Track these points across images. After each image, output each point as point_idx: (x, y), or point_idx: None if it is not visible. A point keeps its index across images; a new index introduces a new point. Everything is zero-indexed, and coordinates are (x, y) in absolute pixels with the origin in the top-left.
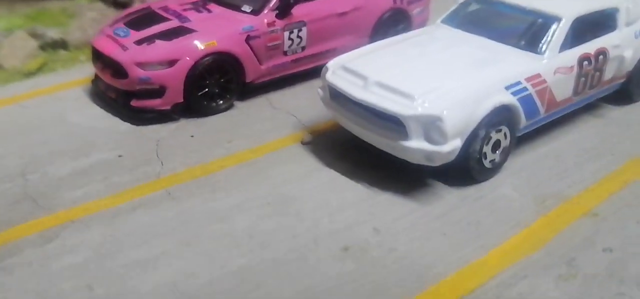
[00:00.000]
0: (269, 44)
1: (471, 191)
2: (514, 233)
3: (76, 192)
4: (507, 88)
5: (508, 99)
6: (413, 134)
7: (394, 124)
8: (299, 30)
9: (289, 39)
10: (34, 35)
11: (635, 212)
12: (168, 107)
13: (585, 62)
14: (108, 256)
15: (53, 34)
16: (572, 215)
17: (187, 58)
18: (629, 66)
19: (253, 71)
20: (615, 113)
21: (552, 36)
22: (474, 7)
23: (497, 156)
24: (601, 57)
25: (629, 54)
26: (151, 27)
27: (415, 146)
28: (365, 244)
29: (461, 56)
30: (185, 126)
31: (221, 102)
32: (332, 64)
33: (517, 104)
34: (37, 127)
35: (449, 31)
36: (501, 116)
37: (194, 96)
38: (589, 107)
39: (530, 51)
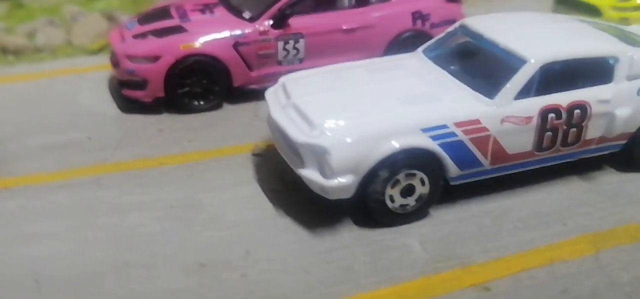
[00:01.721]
0: (260, 52)
1: (374, 233)
2: (379, 287)
3: (32, 163)
4: (425, 131)
5: (423, 142)
6: (307, 162)
7: (296, 149)
8: (296, 42)
9: (284, 49)
10: (110, 18)
11: (534, 295)
12: (150, 100)
13: (552, 115)
14: (3, 224)
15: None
16: (458, 283)
17: (169, 56)
18: (628, 127)
19: (241, 76)
20: (610, 179)
21: (509, 80)
22: (459, 39)
23: (411, 202)
24: (578, 111)
25: (624, 113)
26: (153, 23)
27: (309, 175)
28: (223, 265)
29: (400, 90)
30: (163, 120)
31: (202, 102)
32: (282, 79)
33: (439, 149)
34: (47, 102)
35: (420, 61)
36: (416, 159)
37: (175, 93)
38: (584, 167)
39: (482, 94)
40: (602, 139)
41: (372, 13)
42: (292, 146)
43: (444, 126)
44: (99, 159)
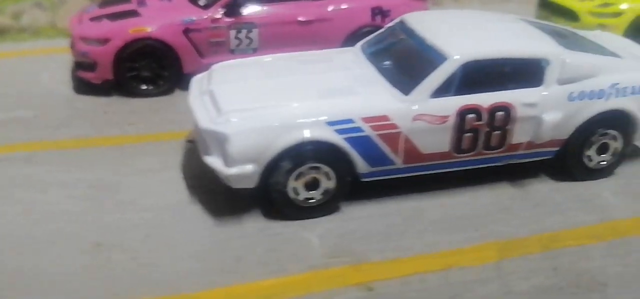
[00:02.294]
0: (211, 40)
1: (278, 225)
2: (266, 278)
3: None
4: (330, 124)
5: (327, 135)
6: (212, 149)
7: (203, 135)
8: (249, 31)
9: (237, 38)
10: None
11: None
12: (99, 82)
13: (471, 116)
14: None
15: None
16: (343, 281)
17: (118, 40)
18: (559, 133)
19: (191, 63)
20: (540, 187)
21: (426, 77)
22: (396, 35)
23: (316, 195)
24: (500, 114)
25: (553, 118)
26: (111, 7)
27: (213, 162)
28: (118, 247)
29: (320, 83)
30: (111, 103)
31: (151, 87)
32: (213, 66)
33: (345, 144)
34: (8, 80)
35: (355, 56)
36: (320, 152)
37: (124, 76)
38: (517, 173)
39: (399, 90)
40: (531, 145)
41: (330, 6)
42: (200, 132)
43: (350, 121)
44: (38, 137)
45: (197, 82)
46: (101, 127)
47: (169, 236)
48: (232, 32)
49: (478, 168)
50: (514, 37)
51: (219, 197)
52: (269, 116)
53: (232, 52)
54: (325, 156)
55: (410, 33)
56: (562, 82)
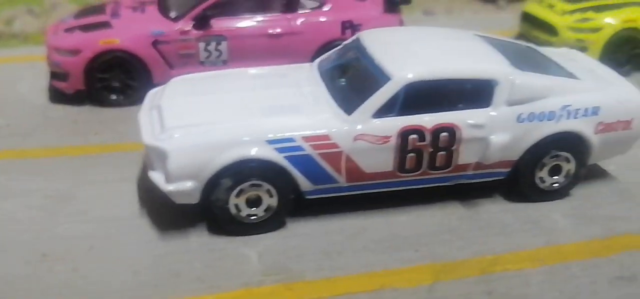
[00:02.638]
0: (180, 52)
1: (220, 241)
2: (198, 295)
3: None
4: (271, 143)
5: (267, 154)
6: (156, 165)
7: (147, 150)
8: (218, 44)
9: (206, 50)
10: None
11: None
12: (71, 91)
13: (414, 136)
14: None
15: None
16: (276, 297)
17: (88, 51)
18: (509, 154)
19: (161, 74)
20: (492, 207)
21: (369, 97)
22: (349, 54)
23: (259, 212)
24: (444, 134)
25: (502, 139)
26: (85, 18)
27: (155, 178)
28: (62, 258)
29: (268, 100)
30: (82, 112)
31: (121, 97)
32: (172, 79)
33: (285, 162)
34: None
35: (309, 73)
36: (260, 170)
37: (94, 87)
38: (470, 193)
39: (343, 109)
40: (479, 166)
41: (299, 20)
42: (145, 147)
43: (291, 140)
44: (5, 145)
45: (151, 96)
46: (68, 136)
47: (112, 249)
48: (202, 45)
49: (429, 187)
50: (463, 57)
51: (169, 210)
52: (209, 133)
53: (202, 64)
54: (266, 174)
55: (362, 51)
56: (511, 103)
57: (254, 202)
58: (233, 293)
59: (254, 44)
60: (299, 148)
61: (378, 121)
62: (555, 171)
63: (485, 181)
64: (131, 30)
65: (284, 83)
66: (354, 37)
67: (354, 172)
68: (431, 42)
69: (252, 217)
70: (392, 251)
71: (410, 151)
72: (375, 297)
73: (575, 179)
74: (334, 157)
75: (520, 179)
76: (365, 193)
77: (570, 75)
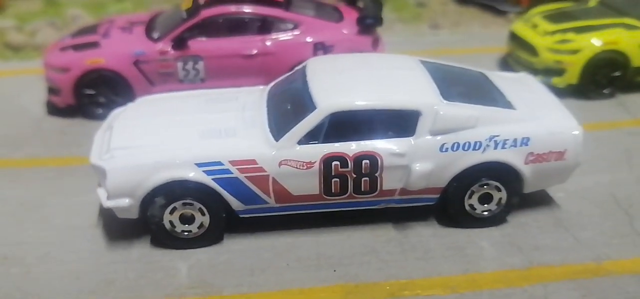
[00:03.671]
0: (160, 70)
1: (158, 253)
2: None
3: None
4: (200, 166)
5: (196, 176)
6: (100, 182)
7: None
8: (195, 63)
9: (184, 69)
10: None
11: None
12: (63, 105)
13: (336, 163)
14: None
15: None
16: None
17: (76, 69)
18: (434, 182)
19: (143, 90)
20: (423, 231)
21: (294, 125)
22: (294, 80)
23: (193, 229)
24: (366, 162)
25: (424, 167)
26: (79, 37)
27: (99, 194)
28: (20, 261)
29: (210, 123)
30: (72, 125)
31: (107, 111)
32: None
33: (214, 184)
34: None
35: (256, 97)
36: (191, 191)
37: (82, 102)
38: (406, 215)
39: (272, 135)
40: (405, 191)
41: (273, 41)
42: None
43: (219, 163)
44: None
45: (113, 115)
46: (53, 147)
47: (64, 255)
48: (180, 64)
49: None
50: (391, 87)
51: (122, 222)
52: (145, 155)
53: (181, 82)
54: (197, 194)
55: (303, 78)
56: (435, 132)
57: (188, 219)
58: None
59: (230, 64)
60: (227, 171)
61: (302, 148)
62: (486, 199)
63: (417, 206)
64: (115, 50)
65: (230, 107)
66: (303, 64)
67: (281, 194)
68: (367, 71)
69: (186, 233)
70: (312, 270)
71: (334, 176)
72: None
73: (508, 207)
74: (261, 181)
75: (450, 206)
76: (302, 213)
77: (508, 105)
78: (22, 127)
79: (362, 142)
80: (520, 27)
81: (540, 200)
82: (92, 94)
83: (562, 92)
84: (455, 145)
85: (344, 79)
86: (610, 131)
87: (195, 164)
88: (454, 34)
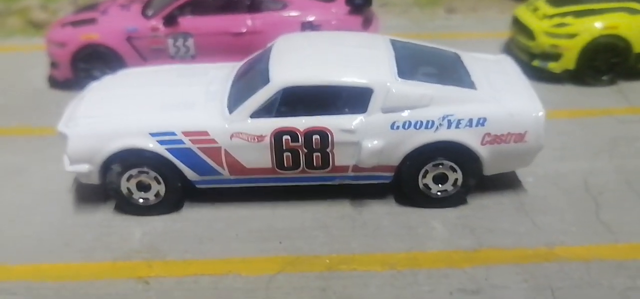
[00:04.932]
0: (152, 47)
1: (120, 218)
2: (73, 262)
3: None
4: (154, 135)
5: (149, 145)
6: (65, 148)
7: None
8: (185, 40)
9: (175, 46)
10: None
11: (186, 296)
12: (62, 79)
13: (287, 137)
14: None
15: None
16: (130, 272)
17: (72, 45)
18: (386, 160)
19: (136, 65)
20: (379, 209)
21: (247, 99)
22: (261, 56)
23: (150, 196)
24: (317, 137)
25: (374, 145)
26: (81, 14)
27: (64, 159)
28: None
29: (174, 96)
30: (69, 98)
31: None
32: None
33: (168, 154)
34: (12, 71)
35: (226, 73)
36: (145, 159)
37: (79, 76)
38: (365, 191)
39: (227, 108)
40: (358, 168)
41: (261, 20)
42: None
43: (172, 133)
44: None
45: (88, 87)
46: (47, 118)
47: (33, 218)
48: (170, 41)
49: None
50: (346, 65)
51: (94, 189)
52: (103, 124)
53: (172, 58)
54: (151, 163)
55: (268, 55)
56: (387, 110)
57: (145, 187)
58: (98, 263)
59: (219, 41)
60: (179, 141)
61: (254, 121)
62: (443, 179)
63: (376, 184)
64: (110, 26)
65: (197, 81)
66: (273, 41)
67: (235, 167)
68: (329, 49)
69: (142, 201)
70: (258, 242)
71: (286, 151)
72: (217, 281)
73: (465, 189)
74: (213, 152)
75: (404, 185)
76: (269, 186)
77: (469, 85)
78: (23, 99)
79: (313, 118)
80: (522, 11)
81: (507, 183)
82: (88, 69)
83: (560, 78)
84: (407, 123)
85: (303, 56)
86: (601, 118)
87: (150, 133)
88: (467, 18)
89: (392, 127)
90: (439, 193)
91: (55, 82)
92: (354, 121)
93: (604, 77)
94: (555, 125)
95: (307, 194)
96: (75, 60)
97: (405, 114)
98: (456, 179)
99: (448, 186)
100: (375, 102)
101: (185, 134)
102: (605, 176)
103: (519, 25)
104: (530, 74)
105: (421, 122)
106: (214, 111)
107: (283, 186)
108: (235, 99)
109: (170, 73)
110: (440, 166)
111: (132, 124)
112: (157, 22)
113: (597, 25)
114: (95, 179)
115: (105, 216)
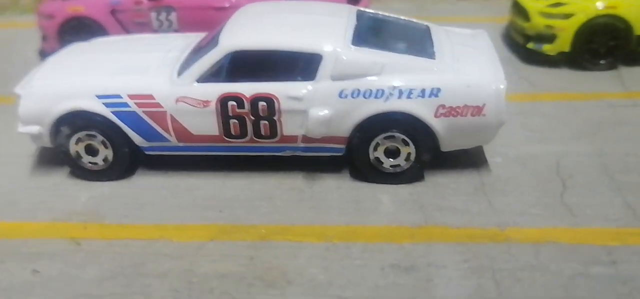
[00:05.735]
0: (135, 20)
1: (72, 183)
2: (15, 221)
3: None
4: (100, 97)
5: (95, 107)
6: None
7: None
8: (168, 14)
9: (158, 19)
10: None
11: (114, 260)
12: (51, 52)
13: (233, 103)
14: None
15: None
16: (65, 233)
17: (59, 17)
18: (335, 130)
19: None
20: (331, 184)
21: (194, 62)
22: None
23: (98, 161)
24: (263, 104)
25: (322, 113)
26: None
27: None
28: None
29: (129, 60)
30: None
31: None
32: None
33: (113, 117)
34: (7, 44)
35: (188, 41)
36: (92, 122)
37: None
38: (320, 164)
39: (177, 72)
40: (308, 139)
41: None
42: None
43: (118, 96)
44: None
45: (57, 53)
46: None
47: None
48: (153, 14)
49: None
50: (298, 31)
51: (55, 153)
52: (53, 86)
53: (156, 32)
54: (97, 126)
55: (226, 21)
56: (336, 78)
57: (94, 151)
58: (37, 223)
59: (201, 15)
60: (125, 105)
61: (200, 86)
62: (396, 153)
63: (324, 156)
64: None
65: (159, 48)
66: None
67: (181, 132)
68: (287, 16)
69: (91, 165)
70: (199, 210)
71: (232, 117)
72: (147, 245)
73: (419, 164)
74: (159, 117)
75: (355, 158)
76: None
77: (429, 55)
78: (12, 70)
79: (259, 84)
80: None
81: (472, 163)
82: (74, 41)
83: (556, 62)
84: (356, 92)
85: (258, 22)
86: (591, 102)
87: (97, 96)
88: (474, 2)
89: (340, 95)
90: (391, 168)
91: (45, 55)
92: (302, 88)
93: (602, 61)
94: (539, 107)
95: (262, 166)
96: (62, 32)
97: (355, 82)
98: (409, 154)
99: (401, 161)
100: (324, 70)
101: (131, 97)
102: (581, 159)
103: (517, 6)
104: (526, 58)
105: (371, 91)
106: (163, 75)
107: (237, 157)
108: (185, 64)
109: (139, 41)
110: (392, 139)
111: (80, 86)
112: None
113: (595, 4)
114: (47, 142)
115: (58, 180)
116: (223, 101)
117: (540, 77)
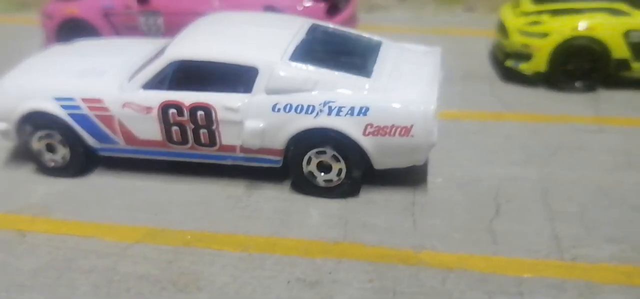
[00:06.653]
0: (126, 23)
1: (36, 178)
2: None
3: None
4: (57, 100)
5: (51, 108)
6: None
7: None
8: (156, 19)
9: (146, 24)
10: None
11: (51, 255)
12: None
13: (173, 111)
14: None
15: None
16: (15, 224)
17: (57, 17)
18: (270, 142)
19: None
20: (271, 194)
21: (140, 70)
22: None
23: (57, 158)
24: (201, 113)
25: (255, 125)
26: None
27: None
28: None
29: (94, 64)
30: None
31: None
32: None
33: (69, 118)
34: (14, 40)
35: (155, 47)
36: (48, 122)
37: None
38: (263, 176)
39: (128, 78)
40: (245, 149)
41: (227, 1)
42: None
43: (72, 99)
44: None
45: (36, 54)
46: None
47: None
48: (142, 19)
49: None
50: (240, 44)
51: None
52: (19, 86)
53: (146, 35)
54: (55, 126)
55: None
56: (270, 91)
57: (54, 149)
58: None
59: (186, 21)
60: (78, 107)
61: (145, 92)
62: (328, 168)
63: (262, 166)
64: (90, 2)
65: (129, 53)
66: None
67: (128, 136)
68: (236, 28)
69: (52, 163)
70: (136, 212)
71: (173, 124)
72: (80, 242)
73: (351, 180)
74: (107, 120)
75: (290, 171)
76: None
77: (365, 73)
78: (8, 67)
79: (199, 94)
80: (506, 8)
81: (409, 181)
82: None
83: (534, 82)
84: (288, 106)
85: (205, 33)
86: (556, 125)
87: (54, 98)
88: (474, 14)
89: (273, 109)
90: (324, 182)
91: None
92: (238, 100)
93: (578, 84)
94: (501, 127)
95: (208, 172)
96: (60, 33)
97: (288, 97)
98: (340, 169)
99: (333, 176)
100: (260, 83)
101: (83, 100)
102: (524, 184)
103: (500, 23)
104: (505, 76)
105: (302, 106)
106: (115, 80)
107: (186, 162)
108: (138, 71)
109: (114, 46)
110: (324, 154)
111: (41, 88)
112: (131, 0)
113: (571, 25)
114: (13, 138)
115: (25, 174)
116: (164, 108)
117: (512, 96)
